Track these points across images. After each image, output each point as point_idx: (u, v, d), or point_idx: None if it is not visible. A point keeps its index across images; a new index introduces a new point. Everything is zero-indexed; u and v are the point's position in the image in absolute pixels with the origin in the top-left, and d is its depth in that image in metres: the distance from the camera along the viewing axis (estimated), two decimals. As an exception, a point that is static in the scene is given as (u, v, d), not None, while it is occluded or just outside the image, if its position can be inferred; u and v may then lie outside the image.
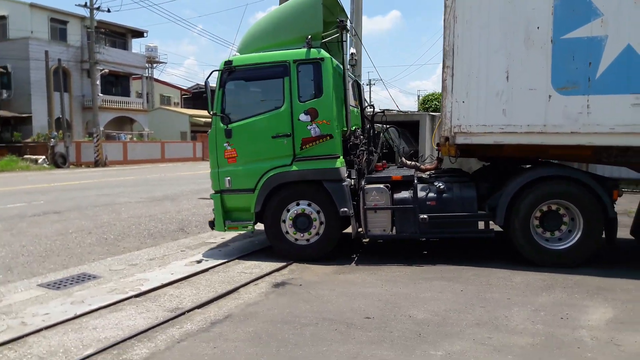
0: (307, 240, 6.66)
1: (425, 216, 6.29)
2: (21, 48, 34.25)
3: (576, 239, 5.96)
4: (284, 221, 6.67)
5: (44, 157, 30.51)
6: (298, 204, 6.65)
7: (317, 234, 6.63)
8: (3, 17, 35.67)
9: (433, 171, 7.21)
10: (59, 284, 5.61)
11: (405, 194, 6.51)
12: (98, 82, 36.00)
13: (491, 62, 5.92)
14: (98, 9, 33.74)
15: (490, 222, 6.50)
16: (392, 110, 16.11)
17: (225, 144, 6.79)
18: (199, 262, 6.58)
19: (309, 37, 6.62)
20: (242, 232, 7.50)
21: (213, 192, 6.91)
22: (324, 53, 6.63)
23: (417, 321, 4.38)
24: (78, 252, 7.26)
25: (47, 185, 18.19)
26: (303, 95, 6.57)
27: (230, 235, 8.21)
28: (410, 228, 6.45)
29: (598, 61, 5.57)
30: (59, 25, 37.57)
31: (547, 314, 4.51)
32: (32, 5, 35.64)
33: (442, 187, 6.45)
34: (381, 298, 5.04)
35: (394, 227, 6.55)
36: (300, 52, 6.61)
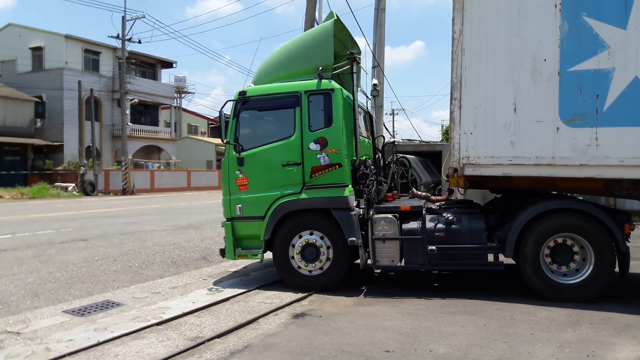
0: (319, 269, 6.65)
1: (433, 247, 6.25)
2: (56, 78, 35.65)
3: (587, 273, 5.86)
4: (293, 254, 6.70)
5: (73, 184, 31.34)
6: (305, 234, 6.70)
7: (326, 261, 6.63)
8: (39, 48, 37.26)
9: (443, 202, 7.15)
10: (84, 311, 5.72)
11: (413, 225, 6.48)
12: (128, 112, 37.09)
13: (498, 94, 5.94)
14: (129, 40, 35.04)
15: (500, 255, 6.39)
16: (414, 140, 16.19)
17: (237, 172, 6.92)
18: (220, 291, 6.62)
19: (320, 68, 6.79)
20: (252, 260, 7.50)
21: (225, 219, 7.02)
22: (334, 84, 6.78)
23: (438, 356, 4.32)
24: (103, 280, 7.39)
25: (76, 212, 18.64)
26: (313, 125, 6.70)
27: (251, 264, 8.26)
28: (418, 259, 6.39)
29: (606, 93, 5.56)
30: (92, 56, 39.03)
31: (572, 350, 4.39)
32: (67, 37, 37.18)
33: (450, 218, 6.40)
34: (402, 331, 4.98)
35: (403, 258, 6.51)
36: (312, 83, 6.78)
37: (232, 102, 6.98)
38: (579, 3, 5.66)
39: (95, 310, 5.74)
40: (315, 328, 5.15)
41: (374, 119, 8.53)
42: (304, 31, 10.91)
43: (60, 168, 33.88)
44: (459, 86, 6.10)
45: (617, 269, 5.98)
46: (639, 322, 5.12)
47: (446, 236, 6.31)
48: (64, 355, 4.38)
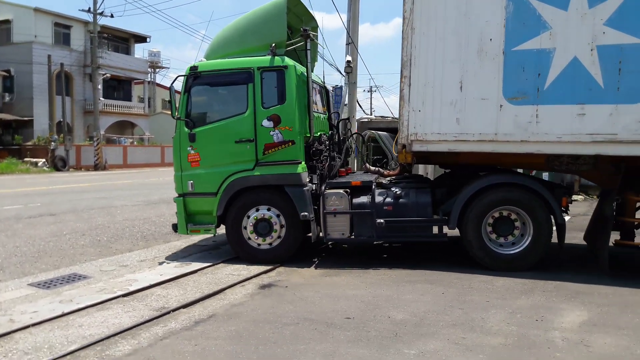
0: (269, 244, 6.79)
1: (382, 220, 6.47)
2: (25, 52, 34.51)
3: (526, 244, 6.17)
4: (245, 226, 6.80)
5: (44, 160, 30.69)
6: (258, 210, 6.79)
7: (278, 237, 6.77)
8: (7, 21, 35.97)
9: (394, 177, 7.31)
10: (49, 284, 5.72)
11: (363, 199, 6.68)
12: (100, 87, 36.27)
13: (446, 72, 6.12)
14: (101, 14, 34.02)
15: (445, 227, 6.59)
16: (387, 117, 16.29)
17: (188, 148, 6.92)
18: (188, 264, 6.69)
19: (273, 44, 6.78)
20: (206, 235, 7.61)
21: (176, 195, 7.07)
22: (288, 61, 6.79)
23: (396, 322, 4.49)
24: (70, 254, 7.37)
25: (45, 187, 18.33)
26: (266, 102, 6.73)
27: (221, 238, 8.31)
28: (367, 232, 6.62)
29: (547, 72, 5.76)
30: (62, 30, 37.86)
31: (523, 316, 4.61)
32: (36, 10, 35.95)
33: (398, 192, 6.62)
34: (363, 299, 5.14)
35: (353, 231, 6.69)
36: (265, 60, 6.78)
37: (183, 77, 6.91)
38: None
39: (61, 283, 5.75)
40: (280, 298, 5.28)
41: (330, 94, 8.60)
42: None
43: (29, 143, 33.08)
44: (408, 65, 6.25)
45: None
46: (590, 290, 5.39)
47: (394, 210, 6.54)
48: (28, 326, 4.41)
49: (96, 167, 32.14)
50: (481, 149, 6.12)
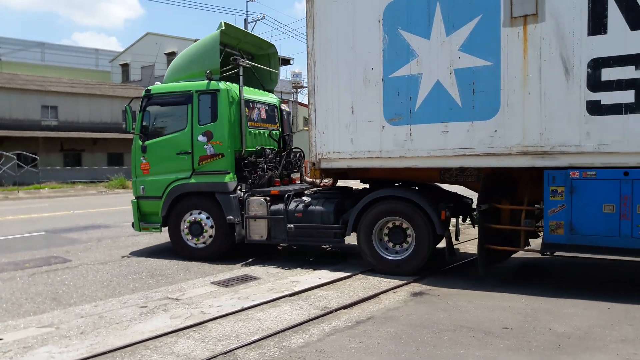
0: (204, 243, 7.97)
1: (291, 226, 7.33)
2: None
3: (410, 251, 6.74)
4: (183, 229, 8.05)
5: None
6: (193, 213, 8.01)
7: (210, 237, 7.92)
8: (173, 53, 40.98)
9: (321, 188, 8.02)
10: (227, 283, 6.57)
11: (279, 206, 7.51)
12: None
13: (341, 99, 6.91)
14: (250, 40, 37.13)
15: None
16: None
17: (141, 158, 8.36)
18: (342, 270, 7.15)
19: (209, 71, 7.95)
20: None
21: (133, 198, 8.53)
22: (220, 85, 7.93)
23: (557, 334, 4.42)
24: (240, 257, 8.28)
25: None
26: (202, 120, 7.94)
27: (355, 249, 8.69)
28: (281, 235, 7.49)
29: (416, 95, 6.42)
30: (218, 58, 41.99)
31: None
32: (196, 41, 40.39)
33: (308, 201, 7.38)
34: (520, 312, 5.11)
35: (270, 234, 7.54)
36: (202, 84, 7.98)
37: (139, 99, 8.33)
38: (395, 18, 6.48)
39: (237, 283, 6.56)
40: (433, 305, 5.46)
41: (284, 113, 9.71)
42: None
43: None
44: (313, 93, 7.15)
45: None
46: None
47: (303, 216, 7.34)
48: (216, 318, 5.16)
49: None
50: (372, 164, 6.85)
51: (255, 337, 4.56)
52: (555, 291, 5.80)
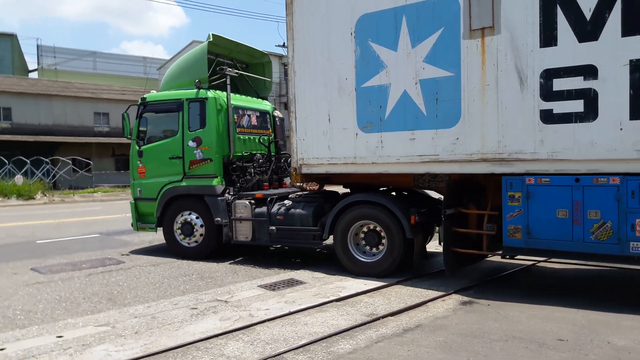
0: (194, 242, 8.49)
1: (273, 228, 7.70)
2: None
3: (382, 254, 6.96)
4: (175, 229, 8.59)
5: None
6: (184, 214, 8.52)
7: (200, 235, 8.43)
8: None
9: (309, 192, 8.19)
10: (274, 286, 6.64)
11: (262, 209, 7.88)
12: (292, 113, 39.89)
13: (319, 107, 7.20)
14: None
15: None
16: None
17: (138, 162, 8.95)
18: (387, 277, 7.09)
19: (198, 80, 8.47)
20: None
21: (131, 199, 9.11)
22: (208, 93, 8.41)
23: (617, 347, 4.24)
24: (287, 261, 8.38)
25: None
26: (192, 126, 8.47)
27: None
28: (264, 237, 7.85)
29: (386, 104, 6.65)
30: (262, 65, 42.73)
31: None
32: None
33: (290, 205, 7.67)
34: (576, 323, 4.93)
35: (254, 236, 7.91)
36: (192, 92, 8.49)
37: (136, 106, 8.86)
38: (366, 30, 6.73)
39: (283, 287, 6.63)
40: (483, 315, 5.34)
41: (276, 120, 10.06)
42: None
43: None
44: (294, 101, 7.45)
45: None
46: None
47: (284, 219, 7.66)
48: (264, 321, 5.22)
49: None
50: (347, 170, 7.11)
51: (303, 342, 4.59)
52: (610, 303, 5.56)
